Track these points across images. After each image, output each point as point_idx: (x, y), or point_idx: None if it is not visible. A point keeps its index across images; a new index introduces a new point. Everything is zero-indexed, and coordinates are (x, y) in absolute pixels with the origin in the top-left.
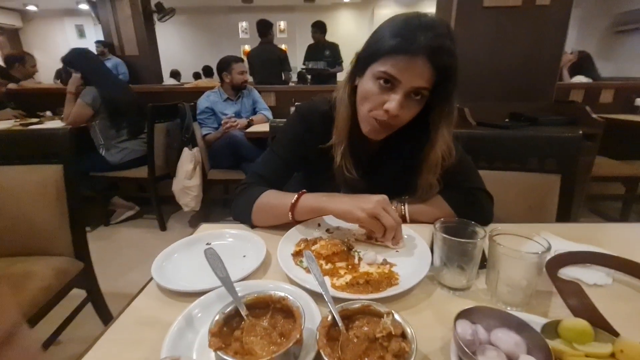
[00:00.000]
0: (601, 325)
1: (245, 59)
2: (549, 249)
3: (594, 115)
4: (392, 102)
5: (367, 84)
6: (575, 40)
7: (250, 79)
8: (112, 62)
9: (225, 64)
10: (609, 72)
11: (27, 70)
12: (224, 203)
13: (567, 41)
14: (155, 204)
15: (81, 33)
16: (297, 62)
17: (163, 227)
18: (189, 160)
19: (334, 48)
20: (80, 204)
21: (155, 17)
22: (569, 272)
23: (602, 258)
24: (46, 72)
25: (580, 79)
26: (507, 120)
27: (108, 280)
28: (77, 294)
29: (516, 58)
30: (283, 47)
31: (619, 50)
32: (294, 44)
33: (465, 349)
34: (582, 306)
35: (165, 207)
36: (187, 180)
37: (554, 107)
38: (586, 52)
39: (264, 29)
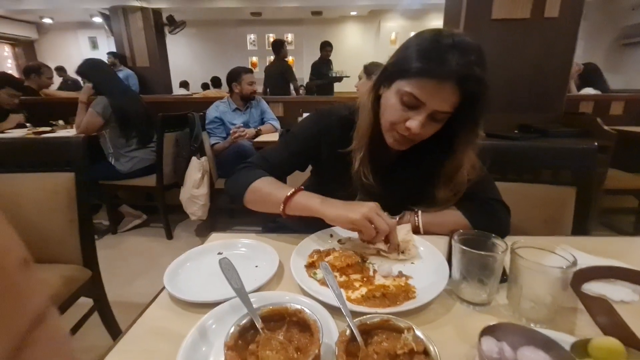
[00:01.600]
0: (634, 345)
1: (253, 70)
2: (574, 263)
3: (606, 127)
4: (415, 122)
5: (392, 98)
6: (582, 53)
7: (259, 89)
8: (123, 73)
9: (236, 75)
10: (617, 85)
11: (42, 82)
12: (231, 213)
13: (575, 54)
14: (163, 213)
15: (94, 45)
16: (304, 74)
17: (170, 236)
18: (197, 170)
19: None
20: (90, 212)
21: (166, 29)
22: (593, 288)
23: (626, 273)
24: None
25: (588, 91)
26: (516, 131)
27: (115, 289)
28: (84, 303)
29: (525, 70)
30: (290, 59)
31: (626, 62)
32: (301, 56)
33: None
34: (613, 324)
35: (172, 216)
36: (195, 189)
37: (563, 119)
38: (594, 64)
39: (277, 47)
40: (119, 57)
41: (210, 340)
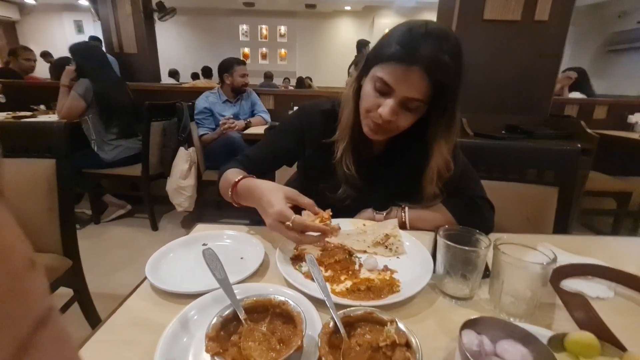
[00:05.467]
0: (608, 339)
1: (245, 61)
2: (554, 259)
3: (589, 130)
4: (385, 107)
5: (367, 85)
6: (569, 58)
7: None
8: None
9: (228, 65)
10: (602, 90)
11: (22, 65)
12: (217, 205)
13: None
14: (148, 204)
15: (79, 29)
16: (296, 67)
17: (155, 227)
18: (184, 160)
19: None
20: (71, 200)
21: (155, 16)
22: (571, 284)
23: (603, 271)
24: (43, 66)
25: (576, 94)
26: (503, 132)
27: (96, 279)
28: (64, 293)
29: (514, 71)
30: (283, 51)
31: (611, 68)
32: (293, 48)
33: (472, 359)
34: (589, 319)
35: (158, 207)
36: (182, 180)
37: (549, 121)
38: (582, 68)
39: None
40: (99, 42)
41: (192, 331)
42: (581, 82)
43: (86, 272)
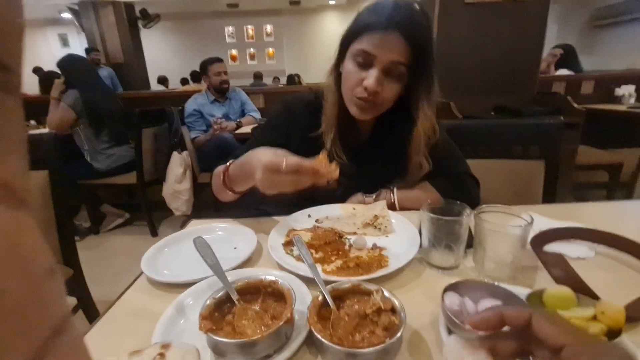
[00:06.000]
0: (583, 291)
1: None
2: (531, 222)
3: (575, 105)
4: (370, 78)
5: (348, 65)
6: (555, 36)
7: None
8: (107, 71)
9: (203, 67)
10: (590, 67)
11: None
12: (215, 207)
13: (548, 37)
14: (146, 210)
15: (65, 42)
16: (284, 65)
17: (154, 233)
18: (178, 164)
19: None
20: (67, 210)
21: (140, 23)
22: (553, 248)
23: (584, 233)
24: (29, 82)
25: (563, 72)
26: (492, 113)
27: (99, 288)
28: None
29: (498, 52)
30: (270, 50)
31: (598, 44)
32: (280, 47)
33: (453, 318)
34: (565, 275)
35: (156, 214)
36: (178, 184)
37: (536, 99)
38: (570, 45)
39: None
40: (97, 52)
41: (188, 315)
42: (569, 58)
43: (89, 282)
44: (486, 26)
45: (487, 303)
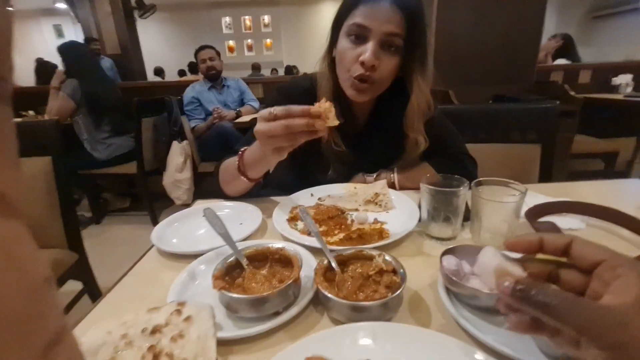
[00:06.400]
0: None
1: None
2: (525, 192)
3: (573, 93)
4: (366, 52)
5: (342, 43)
6: (554, 26)
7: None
8: (109, 62)
9: (195, 56)
10: (588, 58)
11: None
12: (216, 196)
13: (547, 27)
14: (147, 199)
15: (60, 33)
16: (282, 57)
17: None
18: (178, 154)
19: None
20: (71, 196)
21: (136, 14)
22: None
23: (576, 206)
24: (24, 74)
25: (562, 62)
26: (490, 102)
27: (103, 275)
28: (71, 290)
29: (497, 42)
30: (268, 41)
31: (596, 35)
32: (278, 37)
33: (451, 276)
34: None
35: (157, 204)
36: (178, 173)
37: (535, 88)
38: (568, 34)
39: None
40: (96, 41)
41: (199, 281)
42: (567, 48)
43: (93, 269)
44: (485, 16)
45: None
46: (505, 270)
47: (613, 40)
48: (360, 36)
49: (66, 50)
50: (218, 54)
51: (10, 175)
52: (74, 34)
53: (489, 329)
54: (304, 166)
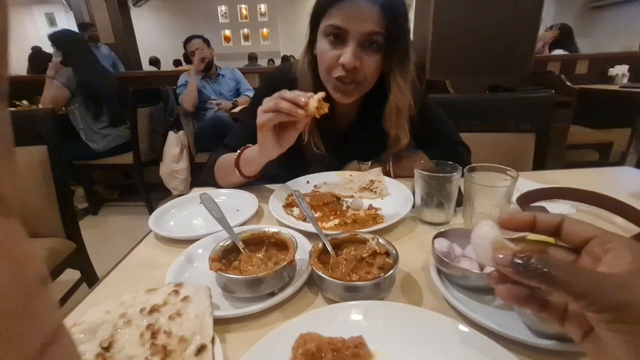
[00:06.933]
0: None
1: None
2: (516, 177)
3: (569, 83)
4: (346, 54)
5: (320, 45)
6: (553, 17)
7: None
8: (107, 49)
9: (184, 48)
10: (586, 49)
11: None
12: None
13: (545, 19)
14: (143, 190)
15: (52, 21)
16: (279, 47)
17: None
18: (175, 144)
19: None
20: (68, 185)
21: (129, 2)
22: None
23: (566, 192)
24: (16, 63)
25: (559, 52)
26: (487, 92)
27: (101, 266)
28: (69, 279)
29: (494, 31)
30: (265, 31)
31: (594, 26)
32: (275, 27)
33: (442, 257)
34: None
35: (154, 194)
36: (175, 164)
37: (531, 79)
38: (567, 24)
39: None
40: (93, 27)
41: (196, 264)
42: (565, 39)
43: (91, 259)
44: (483, 5)
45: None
46: (503, 243)
47: (611, 31)
48: (338, 36)
49: (58, 38)
50: (207, 42)
51: (5, 173)
52: (66, 22)
53: (478, 307)
54: (287, 165)
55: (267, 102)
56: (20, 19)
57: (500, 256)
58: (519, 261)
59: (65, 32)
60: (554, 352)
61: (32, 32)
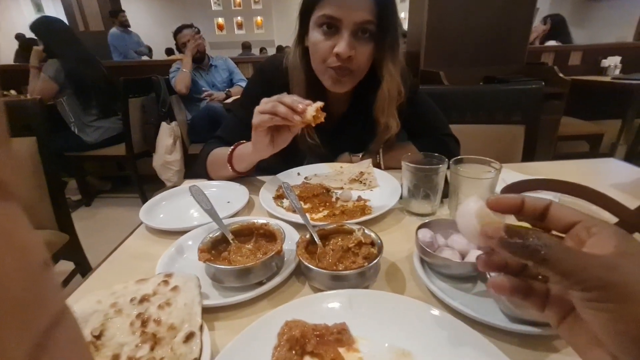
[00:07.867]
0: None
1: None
2: (500, 169)
3: (561, 75)
4: (341, 43)
5: (313, 35)
6: (548, 8)
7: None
8: (137, 37)
9: (174, 38)
10: (581, 40)
11: None
12: (207, 177)
13: (541, 9)
14: (136, 181)
15: (39, 8)
16: (274, 36)
17: None
18: (167, 135)
19: None
20: (59, 176)
21: None
22: None
23: (550, 183)
24: (3, 51)
25: (552, 43)
26: (481, 83)
27: (95, 257)
28: (65, 269)
29: (488, 23)
30: (259, 19)
31: (590, 17)
32: (269, 15)
33: (425, 247)
34: None
35: (148, 186)
36: (168, 155)
37: (525, 70)
38: (560, 15)
39: None
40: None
41: (187, 255)
42: (559, 30)
43: (84, 250)
44: None
45: (456, 237)
46: (487, 213)
47: (606, 22)
48: (332, 26)
49: (40, 27)
50: (198, 32)
51: (3, 157)
52: (54, 8)
53: (458, 295)
54: (282, 159)
55: (265, 104)
56: (6, 6)
57: (487, 231)
58: (507, 235)
59: (45, 20)
60: (527, 336)
61: (19, 19)
